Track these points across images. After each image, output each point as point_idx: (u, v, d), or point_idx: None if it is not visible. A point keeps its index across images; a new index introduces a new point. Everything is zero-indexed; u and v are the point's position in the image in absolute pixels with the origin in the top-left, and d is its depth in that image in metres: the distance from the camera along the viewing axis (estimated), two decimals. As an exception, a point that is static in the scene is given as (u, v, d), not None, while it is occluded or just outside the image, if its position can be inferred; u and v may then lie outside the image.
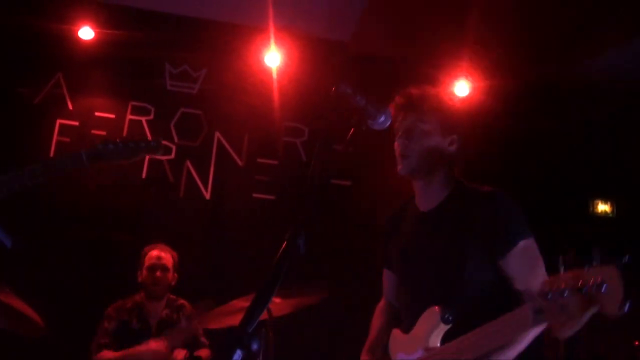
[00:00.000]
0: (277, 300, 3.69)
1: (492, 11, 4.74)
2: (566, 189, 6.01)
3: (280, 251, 1.48)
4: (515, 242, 2.19)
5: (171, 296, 4.32)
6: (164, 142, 5.46)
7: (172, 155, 5.51)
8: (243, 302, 3.78)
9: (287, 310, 3.81)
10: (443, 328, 2.07)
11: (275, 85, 5.58)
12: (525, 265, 2.19)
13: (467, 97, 5.63)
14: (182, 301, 4.33)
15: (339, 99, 1.92)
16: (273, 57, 5.45)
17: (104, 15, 5.25)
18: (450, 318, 2.06)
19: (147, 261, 4.26)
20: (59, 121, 5.39)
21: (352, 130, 1.86)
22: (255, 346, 1.26)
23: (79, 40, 5.28)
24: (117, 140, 2.58)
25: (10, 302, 3.61)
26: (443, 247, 2.30)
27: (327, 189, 1.69)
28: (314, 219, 1.59)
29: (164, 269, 4.25)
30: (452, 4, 4.73)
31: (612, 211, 6.26)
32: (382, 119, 1.94)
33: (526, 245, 2.20)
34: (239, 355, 1.24)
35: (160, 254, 4.28)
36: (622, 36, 5.05)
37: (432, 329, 2.08)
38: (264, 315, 3.61)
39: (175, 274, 4.33)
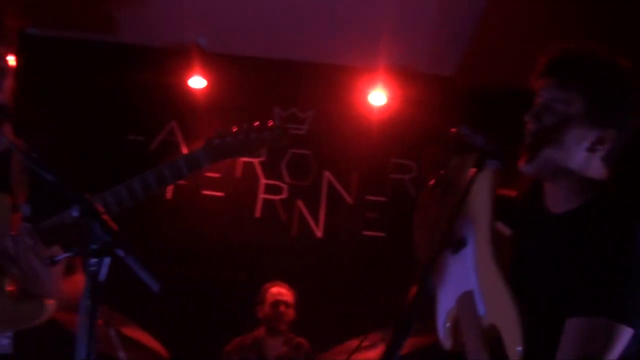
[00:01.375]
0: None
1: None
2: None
3: (411, 292, 1.48)
4: (598, 313, 1.53)
5: (290, 334, 4.38)
6: (276, 183, 5.64)
7: (284, 195, 5.65)
8: (359, 342, 3.77)
9: (406, 350, 3.76)
10: None
11: (381, 122, 5.62)
12: (573, 349, 1.54)
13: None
14: (300, 339, 4.38)
15: (457, 140, 1.90)
16: (379, 96, 5.52)
17: (213, 64, 5.49)
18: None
19: (270, 297, 4.34)
20: (174, 166, 5.62)
21: (473, 171, 1.82)
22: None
23: (190, 89, 5.56)
24: (235, 130, 2.15)
25: (137, 336, 3.79)
26: (554, 260, 1.74)
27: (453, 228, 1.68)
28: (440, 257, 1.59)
29: (287, 304, 4.33)
30: (562, 25, 4.62)
31: None
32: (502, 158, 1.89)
33: (599, 326, 1.52)
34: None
35: (281, 290, 4.37)
36: None
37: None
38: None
39: (295, 312, 4.40)
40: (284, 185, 5.67)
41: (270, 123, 2.17)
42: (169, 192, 5.59)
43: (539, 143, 1.75)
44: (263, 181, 5.68)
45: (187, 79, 5.53)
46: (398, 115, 5.59)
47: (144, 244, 5.16)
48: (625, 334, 1.51)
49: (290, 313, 4.37)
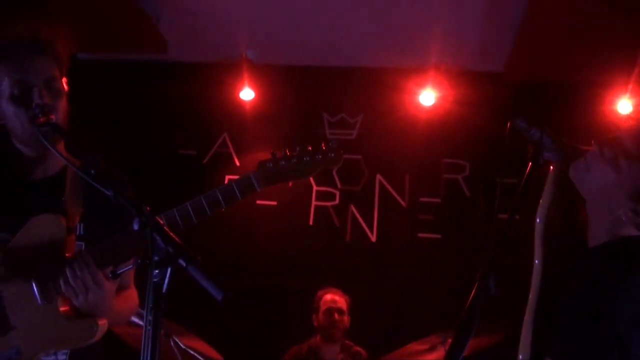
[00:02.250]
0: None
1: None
2: None
3: (473, 292, 1.47)
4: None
5: (347, 341, 4.37)
6: (329, 189, 5.65)
7: (337, 201, 5.65)
8: (417, 346, 3.74)
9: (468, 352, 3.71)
10: None
11: (431, 123, 5.58)
12: None
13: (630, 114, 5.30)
14: (358, 348, 4.36)
15: (513, 134, 1.88)
16: (427, 96, 5.48)
17: (262, 76, 5.55)
18: None
19: (323, 305, 4.35)
20: (227, 177, 5.71)
21: (529, 165, 1.80)
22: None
23: (240, 101, 5.62)
24: (289, 154, 2.14)
25: (195, 345, 3.84)
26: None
27: (512, 226, 1.65)
28: (502, 257, 1.57)
29: (340, 312, 4.32)
30: (605, 16, 4.52)
31: None
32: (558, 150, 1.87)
33: None
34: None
35: (335, 297, 4.36)
36: None
37: None
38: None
39: (349, 318, 4.38)
40: (336, 192, 5.68)
41: (324, 146, 2.17)
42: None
43: None
44: (315, 188, 5.70)
45: (238, 92, 5.60)
46: (447, 114, 5.54)
47: (203, 252, 5.24)
48: None
49: (345, 320, 4.34)
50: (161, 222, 1.56)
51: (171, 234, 1.53)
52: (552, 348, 1.60)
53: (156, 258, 1.46)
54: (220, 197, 2.11)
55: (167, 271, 1.47)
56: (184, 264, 1.44)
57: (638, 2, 4.34)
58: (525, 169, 1.85)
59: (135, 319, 3.14)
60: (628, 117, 1.86)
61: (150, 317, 1.43)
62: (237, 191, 2.12)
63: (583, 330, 1.60)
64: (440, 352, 3.58)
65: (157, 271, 1.45)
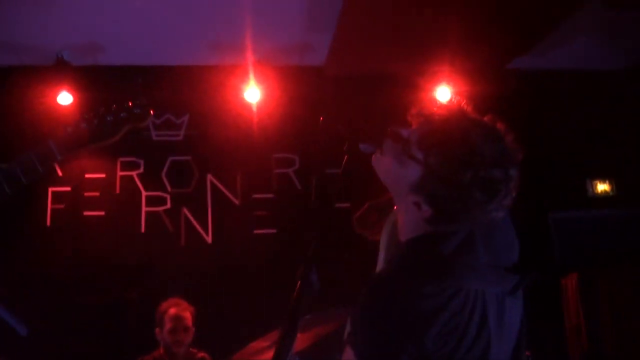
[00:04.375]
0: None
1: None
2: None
3: (296, 290, 1.46)
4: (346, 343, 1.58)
5: (191, 349, 4.26)
6: (159, 193, 5.48)
7: (168, 205, 5.50)
8: (260, 343, 3.73)
9: (308, 343, 3.76)
10: None
11: (258, 119, 5.59)
12: None
13: (448, 102, 5.65)
14: (201, 354, 4.27)
15: (327, 129, 1.90)
16: (253, 92, 5.48)
17: (80, 78, 5.25)
18: None
19: (168, 321, 4.16)
20: (50, 189, 5.38)
21: (345, 158, 1.83)
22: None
23: (58, 106, 5.28)
24: (90, 117, 2.03)
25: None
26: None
27: (332, 215, 1.67)
28: (323, 249, 1.58)
29: (186, 329, 4.19)
30: (425, 12, 4.76)
31: (612, 189, 6.28)
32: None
33: (347, 355, 1.54)
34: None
35: (179, 314, 4.19)
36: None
37: None
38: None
39: (194, 328, 4.26)
40: (167, 195, 5.53)
41: (130, 103, 2.05)
42: (48, 217, 5.31)
43: None
44: (144, 194, 5.50)
45: (55, 96, 5.23)
46: (274, 109, 5.58)
47: (26, 274, 4.91)
48: None
49: (190, 334, 4.23)
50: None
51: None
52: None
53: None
54: (20, 171, 1.92)
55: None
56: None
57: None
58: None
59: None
60: (435, 107, 1.70)
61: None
62: (36, 162, 1.95)
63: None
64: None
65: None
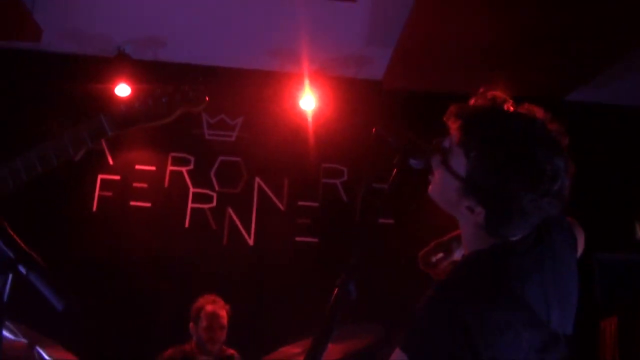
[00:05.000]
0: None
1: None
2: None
3: (332, 297, 1.45)
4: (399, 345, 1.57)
5: (221, 346, 4.28)
6: (206, 191, 5.54)
7: (214, 204, 5.55)
8: (292, 349, 3.73)
9: (337, 356, 3.75)
10: None
11: (311, 128, 5.62)
12: None
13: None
14: (231, 351, 4.29)
15: (379, 140, 1.89)
16: (308, 101, 5.51)
17: (140, 71, 5.36)
18: None
19: (205, 318, 4.18)
20: (100, 176, 5.49)
21: (394, 171, 1.81)
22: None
23: (116, 97, 5.39)
24: (144, 95, 2.02)
25: (59, 355, 3.64)
26: None
27: (374, 230, 1.66)
28: (364, 261, 1.56)
29: (222, 327, 4.21)
30: (484, 35, 4.72)
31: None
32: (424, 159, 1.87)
33: (395, 355, 1.54)
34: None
35: (216, 312, 4.20)
36: None
37: None
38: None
39: (227, 327, 4.28)
40: (214, 194, 5.58)
41: (186, 87, 2.06)
42: (95, 204, 5.42)
43: None
44: (192, 190, 5.57)
45: (114, 87, 5.34)
46: (328, 120, 5.61)
47: (70, 258, 5.02)
48: None
49: (225, 333, 4.24)
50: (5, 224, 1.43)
51: (15, 237, 1.41)
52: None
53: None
54: (68, 142, 1.95)
55: (7, 278, 1.35)
56: (24, 271, 1.33)
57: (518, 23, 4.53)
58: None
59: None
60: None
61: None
62: (86, 136, 1.96)
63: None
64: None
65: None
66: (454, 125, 1.72)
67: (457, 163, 1.65)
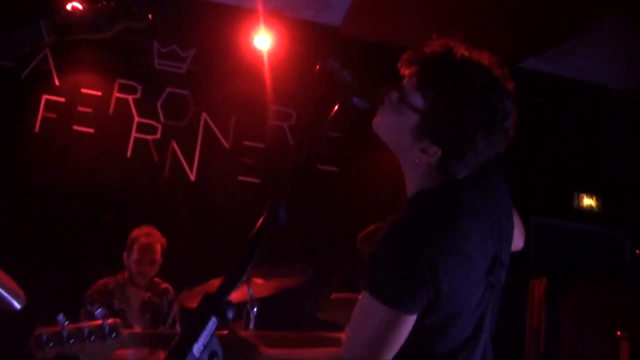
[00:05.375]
0: (258, 281, 3.65)
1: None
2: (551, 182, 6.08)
3: (261, 220, 1.45)
4: (363, 286, 1.65)
5: (155, 279, 4.26)
6: (151, 122, 5.44)
7: (158, 135, 5.46)
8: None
9: (268, 292, 3.78)
10: None
11: (265, 68, 5.54)
12: (352, 318, 1.69)
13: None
14: (165, 285, 4.27)
15: (325, 75, 1.86)
16: (263, 40, 5.42)
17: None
18: None
19: (137, 250, 4.13)
20: (45, 96, 5.33)
21: (336, 107, 1.78)
22: (230, 314, 1.23)
23: (60, 5, 5.17)
24: (88, 8, 2.01)
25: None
26: None
27: (313, 171, 1.65)
28: (297, 192, 1.56)
29: (153, 262, 4.16)
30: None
31: (597, 206, 6.31)
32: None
33: (365, 303, 1.62)
34: (214, 322, 1.21)
35: (149, 245, 4.15)
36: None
37: None
38: (245, 297, 3.62)
39: (161, 260, 4.25)
40: (159, 125, 5.49)
41: (130, 2, 2.05)
42: (37, 124, 5.26)
43: None
44: (137, 119, 5.46)
45: (65, 5, 5.14)
46: (281, 61, 5.53)
47: (6, 177, 4.90)
48: (376, 307, 1.59)
49: (156, 267, 4.20)
50: None
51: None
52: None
53: None
54: (6, 44, 1.95)
55: None
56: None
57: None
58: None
59: None
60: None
61: None
62: (24, 39, 1.95)
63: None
64: (243, 290, 3.60)
65: None
66: (408, 71, 1.78)
67: (413, 105, 1.71)
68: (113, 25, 2.00)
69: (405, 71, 1.78)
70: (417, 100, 1.70)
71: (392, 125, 1.77)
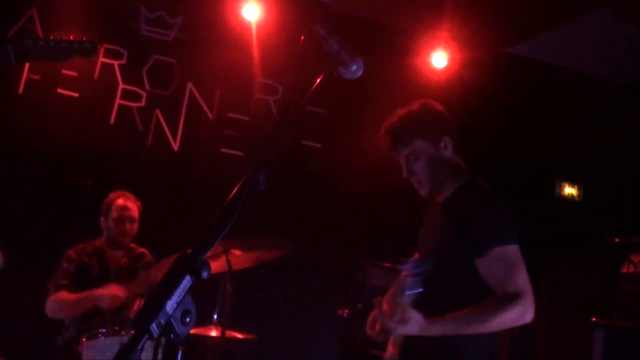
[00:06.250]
0: (237, 252, 3.66)
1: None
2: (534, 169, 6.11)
3: (239, 184, 1.44)
4: (489, 247, 2.35)
5: (131, 245, 4.26)
6: (135, 89, 5.39)
7: (142, 103, 5.42)
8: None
9: (246, 264, 3.79)
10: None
11: (253, 40, 5.50)
12: (498, 271, 2.35)
13: (444, 68, 5.65)
14: (141, 250, 4.28)
15: (311, 44, 1.84)
16: (252, 11, 5.36)
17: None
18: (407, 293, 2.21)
19: (115, 211, 4.14)
20: (28, 57, 5.24)
21: (320, 77, 1.76)
22: (205, 274, 1.23)
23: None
24: (50, 37, 2.36)
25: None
26: (433, 237, 2.59)
27: (296, 145, 1.65)
28: (278, 162, 1.56)
29: (132, 220, 4.17)
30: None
31: (579, 195, 6.37)
32: (355, 67, 1.81)
33: (502, 253, 2.35)
34: (188, 281, 1.21)
35: (127, 204, 4.17)
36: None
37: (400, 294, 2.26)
38: (223, 268, 3.63)
39: (139, 223, 4.26)
40: (144, 93, 5.43)
41: (84, 38, 2.41)
42: (22, 86, 5.19)
43: (422, 181, 2.63)
44: (122, 86, 5.41)
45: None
46: (269, 34, 5.49)
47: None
48: (511, 249, 2.39)
49: (135, 227, 4.22)
50: None
51: None
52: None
53: None
54: None
55: None
56: None
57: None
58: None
59: None
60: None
61: None
62: None
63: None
64: (222, 260, 3.60)
65: None
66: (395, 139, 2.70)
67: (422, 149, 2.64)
68: (67, 57, 2.38)
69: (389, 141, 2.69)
70: (422, 146, 2.64)
71: (426, 166, 2.64)
